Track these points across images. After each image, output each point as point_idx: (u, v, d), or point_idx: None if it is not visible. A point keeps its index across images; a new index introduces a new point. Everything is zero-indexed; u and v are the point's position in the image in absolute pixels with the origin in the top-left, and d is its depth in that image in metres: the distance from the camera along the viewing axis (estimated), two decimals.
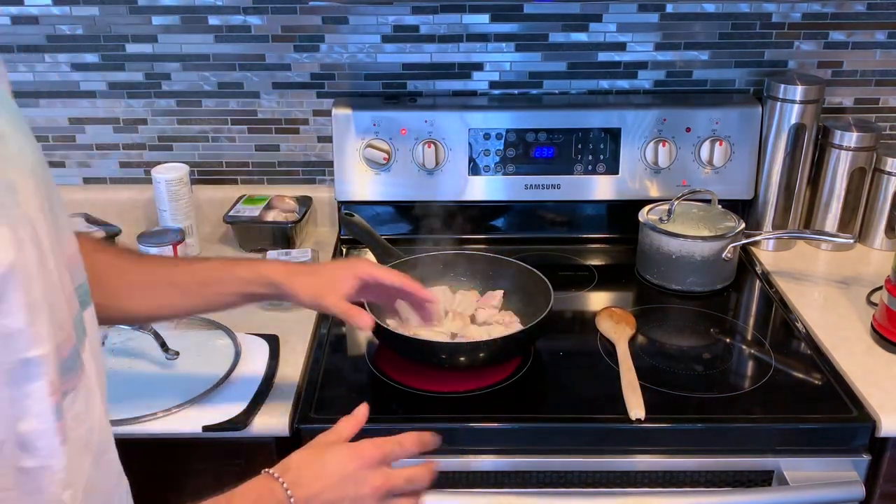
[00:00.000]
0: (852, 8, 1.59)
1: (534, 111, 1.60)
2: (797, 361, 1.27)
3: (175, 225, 1.52)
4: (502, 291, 1.33)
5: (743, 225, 1.49)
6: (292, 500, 0.75)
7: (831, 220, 1.61)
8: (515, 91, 1.67)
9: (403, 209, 1.65)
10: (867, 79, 1.65)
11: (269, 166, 1.72)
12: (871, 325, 1.31)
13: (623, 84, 1.66)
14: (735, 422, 1.13)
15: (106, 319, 0.84)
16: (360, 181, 1.61)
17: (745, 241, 1.50)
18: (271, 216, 1.60)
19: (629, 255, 1.57)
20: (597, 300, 1.46)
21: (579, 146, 1.60)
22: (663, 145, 1.58)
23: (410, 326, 1.21)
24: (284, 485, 0.76)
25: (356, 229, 1.49)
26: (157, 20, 1.59)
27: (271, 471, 0.77)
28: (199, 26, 1.60)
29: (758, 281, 1.53)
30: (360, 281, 1.05)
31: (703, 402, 1.16)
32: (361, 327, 1.01)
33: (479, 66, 1.64)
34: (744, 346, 1.32)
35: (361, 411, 0.88)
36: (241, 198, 1.66)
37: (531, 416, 1.14)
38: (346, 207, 1.60)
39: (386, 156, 1.59)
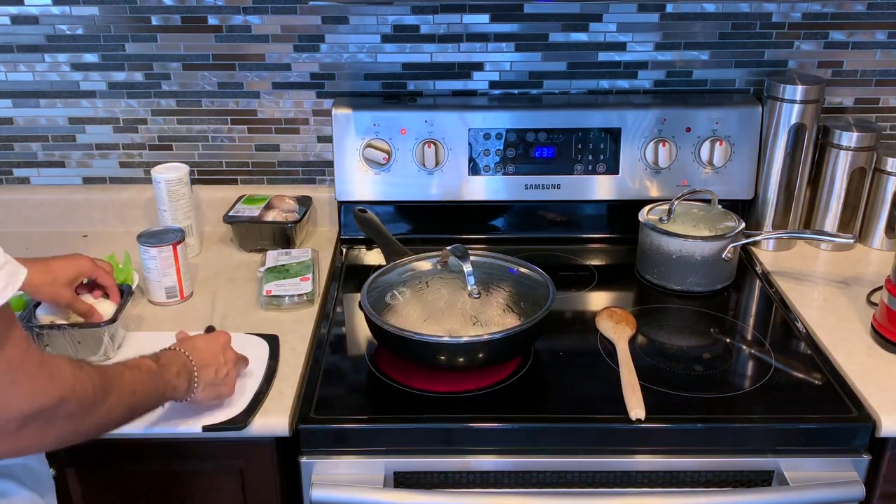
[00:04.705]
0: (852, 8, 1.59)
1: (534, 111, 1.60)
2: (797, 361, 1.27)
3: (175, 225, 1.51)
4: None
5: (743, 225, 1.49)
6: (193, 362, 1.05)
7: (831, 220, 1.61)
8: (515, 91, 1.67)
9: (403, 209, 1.65)
10: (867, 79, 1.65)
11: (269, 166, 1.72)
12: (871, 325, 1.31)
13: (623, 84, 1.66)
14: (735, 422, 1.13)
15: None
16: (360, 181, 1.61)
17: (745, 241, 1.50)
18: (271, 216, 1.60)
19: (629, 255, 1.57)
20: (597, 300, 1.46)
21: (579, 146, 1.60)
22: (663, 145, 1.58)
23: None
24: (185, 352, 1.05)
25: (368, 225, 1.50)
26: (156, 20, 1.59)
27: (174, 346, 1.06)
28: (199, 26, 1.60)
29: (758, 281, 1.53)
30: (85, 277, 1.25)
31: (703, 402, 1.16)
32: (96, 320, 1.23)
33: (479, 66, 1.64)
34: (744, 346, 1.32)
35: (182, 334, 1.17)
36: (241, 198, 1.66)
37: (531, 416, 1.14)
38: (348, 207, 1.61)
39: (386, 156, 1.59)
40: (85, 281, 1.27)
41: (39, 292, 1.20)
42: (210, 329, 1.23)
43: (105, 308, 1.26)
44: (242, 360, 1.17)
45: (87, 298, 1.27)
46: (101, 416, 0.84)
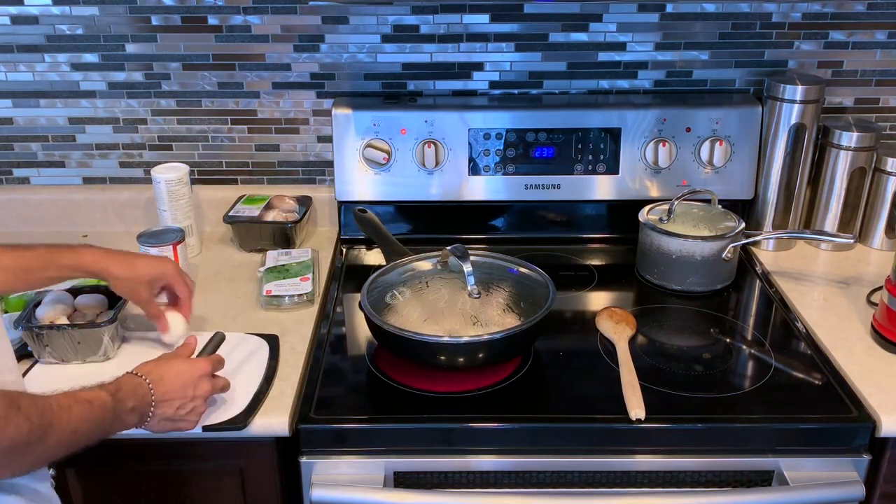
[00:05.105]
0: (852, 8, 1.59)
1: (534, 111, 1.60)
2: (797, 361, 1.27)
3: (175, 225, 1.52)
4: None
5: (743, 225, 1.49)
6: (153, 395, 0.99)
7: (831, 220, 1.61)
8: (515, 91, 1.67)
9: (403, 209, 1.65)
10: (867, 79, 1.65)
11: (269, 166, 1.72)
12: (871, 325, 1.31)
13: (623, 84, 1.66)
14: (735, 422, 1.13)
15: None
16: (360, 181, 1.61)
17: (745, 241, 1.50)
18: (271, 216, 1.60)
19: (629, 255, 1.57)
20: (597, 300, 1.46)
21: (579, 146, 1.60)
22: (663, 145, 1.58)
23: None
24: (149, 383, 1.00)
25: (368, 225, 1.50)
26: (157, 20, 1.59)
27: (137, 371, 1.01)
28: (199, 26, 1.60)
29: (758, 281, 1.53)
30: (166, 282, 1.23)
31: (703, 402, 1.16)
32: (162, 330, 1.23)
33: (479, 66, 1.64)
34: (744, 346, 1.32)
35: (191, 341, 1.14)
36: (240, 198, 1.66)
37: (531, 416, 1.14)
38: (348, 207, 1.61)
39: (386, 156, 1.59)
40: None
41: (118, 286, 1.19)
42: (217, 337, 1.19)
43: (174, 319, 1.24)
44: (221, 388, 1.11)
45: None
46: (36, 455, 0.82)
